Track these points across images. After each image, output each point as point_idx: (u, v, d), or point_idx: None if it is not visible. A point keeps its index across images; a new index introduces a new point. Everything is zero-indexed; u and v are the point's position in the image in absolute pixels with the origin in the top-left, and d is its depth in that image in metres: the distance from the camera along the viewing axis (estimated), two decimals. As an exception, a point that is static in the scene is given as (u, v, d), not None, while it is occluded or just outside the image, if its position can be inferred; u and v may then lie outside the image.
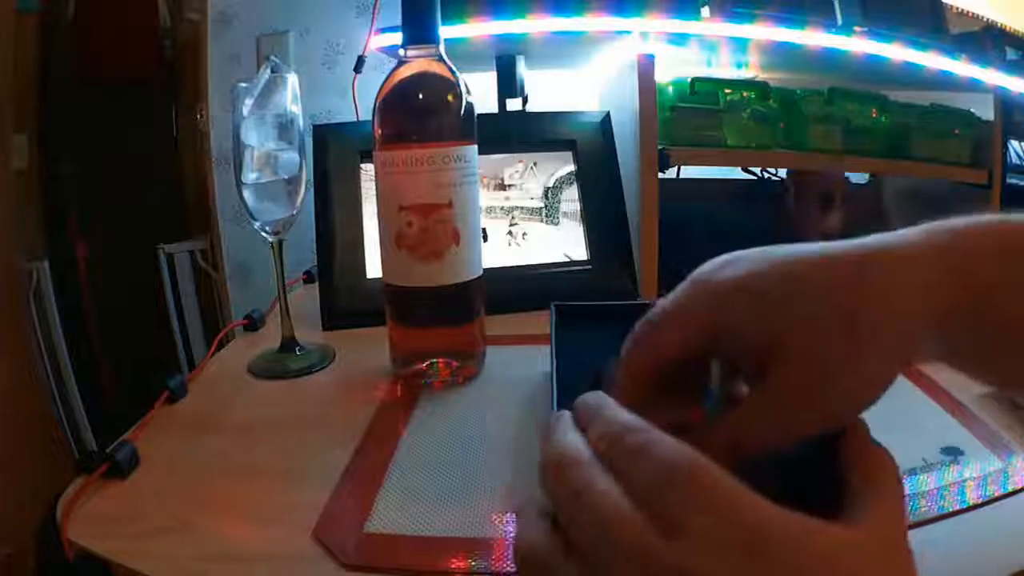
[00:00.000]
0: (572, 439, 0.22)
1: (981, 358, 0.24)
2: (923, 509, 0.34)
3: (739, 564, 0.17)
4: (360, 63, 1.00)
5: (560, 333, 0.50)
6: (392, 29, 0.85)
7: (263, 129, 0.53)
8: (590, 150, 0.78)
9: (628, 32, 0.75)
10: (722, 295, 0.24)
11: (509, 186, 0.76)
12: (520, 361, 0.56)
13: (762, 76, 0.95)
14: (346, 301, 0.66)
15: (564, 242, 0.75)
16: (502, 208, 0.76)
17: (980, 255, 0.22)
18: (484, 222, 0.73)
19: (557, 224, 0.76)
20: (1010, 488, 0.36)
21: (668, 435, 0.20)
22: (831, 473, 0.22)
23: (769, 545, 0.17)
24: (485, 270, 0.53)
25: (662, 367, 0.25)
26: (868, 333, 0.21)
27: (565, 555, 0.19)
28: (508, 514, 0.35)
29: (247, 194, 0.54)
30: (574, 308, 0.50)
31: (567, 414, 0.23)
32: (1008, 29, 0.99)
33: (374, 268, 0.67)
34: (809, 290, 0.22)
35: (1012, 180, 0.91)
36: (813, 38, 0.78)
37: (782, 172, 0.98)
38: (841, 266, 0.22)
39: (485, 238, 0.73)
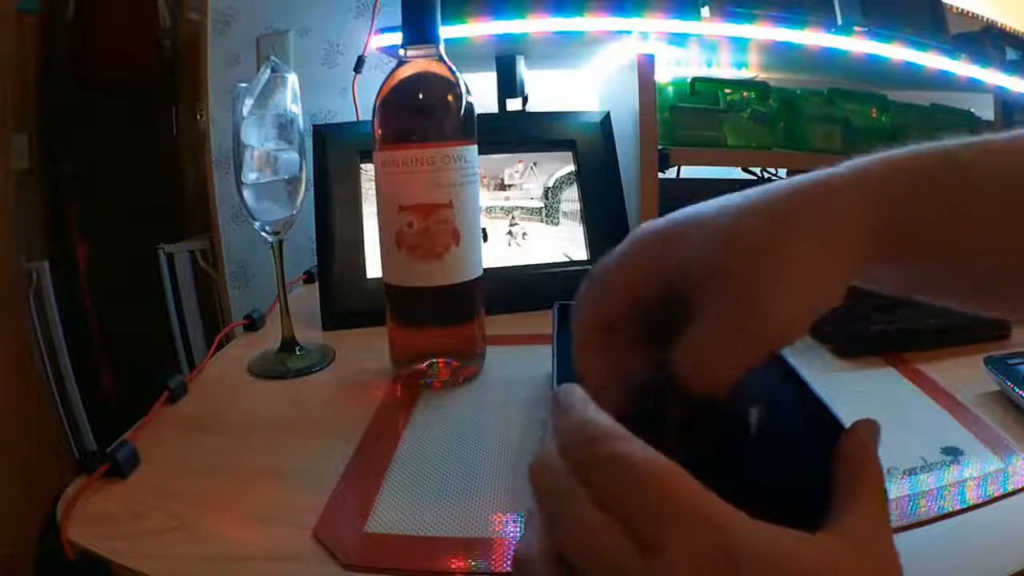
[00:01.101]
0: (549, 445, 0.21)
1: (906, 276, 0.27)
2: (923, 509, 0.34)
3: None
4: (360, 63, 1.00)
5: (562, 332, 0.50)
6: (392, 29, 0.85)
7: (263, 129, 0.53)
8: (590, 150, 0.78)
9: (628, 32, 0.75)
10: (672, 239, 0.25)
11: (509, 186, 0.76)
12: (520, 361, 0.56)
13: (762, 76, 0.95)
14: (346, 301, 0.66)
15: (564, 242, 0.75)
16: (502, 208, 0.76)
17: (892, 184, 0.25)
18: (484, 222, 0.73)
19: (557, 224, 0.76)
20: (1010, 488, 0.36)
21: (636, 440, 0.19)
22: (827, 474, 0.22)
23: (745, 564, 0.17)
24: (485, 270, 0.53)
25: (613, 321, 0.26)
26: (781, 270, 0.23)
27: (555, 564, 0.20)
28: (508, 514, 0.35)
29: (247, 194, 0.54)
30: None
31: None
32: (1008, 29, 0.99)
33: (374, 268, 0.67)
34: (743, 231, 0.24)
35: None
36: (813, 38, 0.78)
37: (782, 172, 0.98)
38: (769, 213, 0.24)
39: (485, 238, 0.73)
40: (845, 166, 0.26)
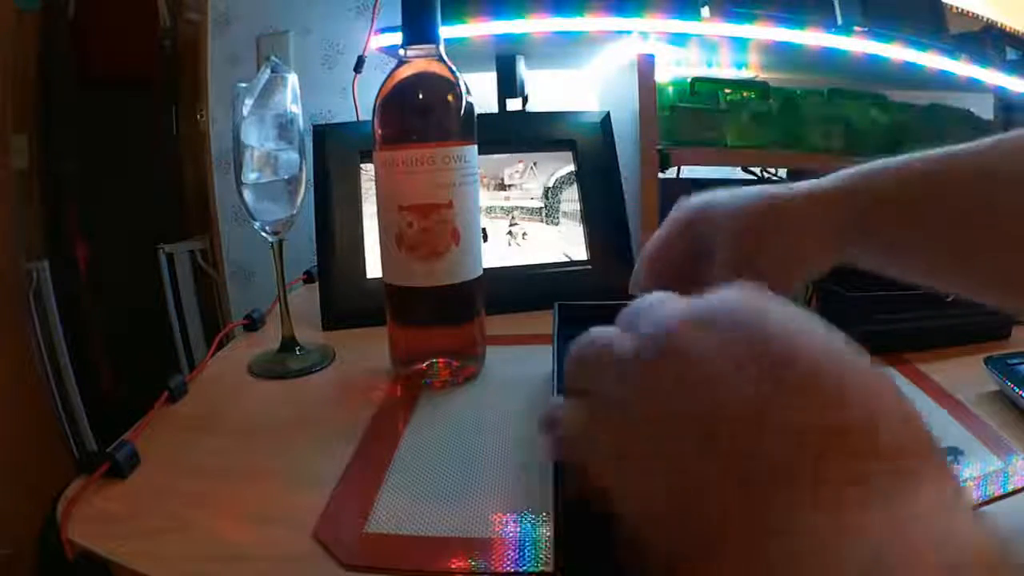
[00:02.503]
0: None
1: (877, 261, 0.36)
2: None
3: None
4: (360, 63, 1.00)
5: (563, 332, 0.50)
6: (392, 29, 0.85)
7: (263, 129, 0.53)
8: (590, 150, 0.78)
9: (628, 32, 0.75)
10: (689, 216, 0.38)
11: (509, 186, 0.76)
12: (520, 361, 0.56)
13: (762, 76, 0.95)
14: (346, 301, 0.66)
15: (564, 242, 0.75)
16: (502, 208, 0.76)
17: (871, 193, 0.34)
18: (484, 222, 0.73)
19: (557, 224, 0.76)
20: (1010, 488, 0.36)
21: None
22: None
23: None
24: (485, 270, 0.53)
25: (666, 261, 0.39)
26: (772, 236, 0.35)
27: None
28: (508, 514, 0.35)
29: (247, 194, 0.54)
30: (577, 308, 0.50)
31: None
32: (1008, 29, 0.99)
33: (374, 268, 0.67)
34: (750, 214, 0.35)
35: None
36: (813, 38, 0.78)
37: (782, 172, 0.98)
38: (759, 207, 0.36)
39: (485, 238, 0.73)
40: (832, 177, 0.35)
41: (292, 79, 0.54)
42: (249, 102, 0.52)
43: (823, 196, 0.35)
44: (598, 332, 0.23)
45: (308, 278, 0.84)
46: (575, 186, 0.77)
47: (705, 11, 0.76)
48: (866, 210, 0.34)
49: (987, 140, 0.33)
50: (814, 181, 0.36)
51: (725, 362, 0.19)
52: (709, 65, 0.96)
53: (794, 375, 0.18)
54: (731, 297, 0.21)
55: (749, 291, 0.21)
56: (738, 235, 0.35)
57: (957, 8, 0.98)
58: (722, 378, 0.19)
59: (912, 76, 0.87)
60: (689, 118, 0.80)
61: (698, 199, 0.38)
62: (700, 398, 0.19)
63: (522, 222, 0.76)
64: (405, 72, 0.49)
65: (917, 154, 0.34)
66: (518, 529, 0.34)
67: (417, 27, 0.48)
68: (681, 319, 0.21)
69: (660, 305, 0.22)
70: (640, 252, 0.40)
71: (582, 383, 0.23)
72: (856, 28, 0.80)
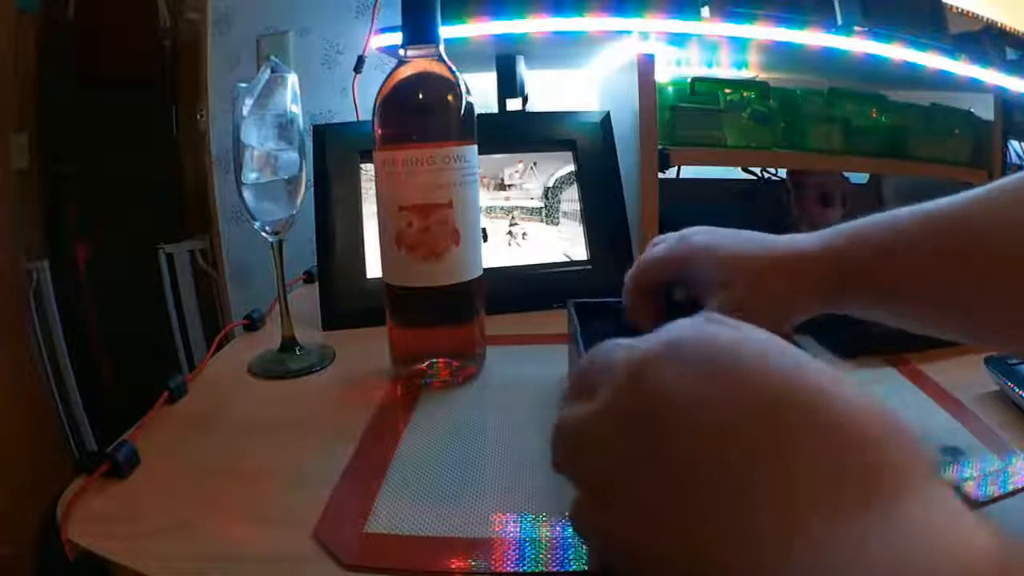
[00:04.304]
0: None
1: (862, 312, 0.39)
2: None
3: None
4: (360, 63, 1.00)
5: (585, 331, 0.49)
6: (392, 29, 0.85)
7: (263, 129, 0.53)
8: (590, 150, 0.78)
9: (628, 32, 0.75)
10: (692, 250, 0.42)
11: (509, 186, 0.76)
12: (520, 361, 0.56)
13: (762, 76, 0.95)
14: (346, 301, 0.66)
15: (564, 242, 0.75)
16: (502, 208, 0.76)
17: (850, 253, 0.37)
18: (484, 222, 0.73)
19: (557, 224, 0.76)
20: (1010, 488, 0.36)
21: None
22: None
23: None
24: (485, 270, 0.53)
25: (648, 288, 0.44)
26: (767, 291, 0.39)
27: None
28: (508, 514, 0.35)
29: (247, 194, 0.54)
30: (591, 305, 0.50)
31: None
32: (1008, 29, 0.99)
33: (374, 268, 0.67)
34: (748, 262, 0.40)
35: (1012, 180, 0.91)
36: (813, 38, 0.78)
37: (782, 172, 0.98)
38: (768, 253, 0.40)
39: (485, 238, 0.73)
40: (818, 234, 0.39)
41: (292, 79, 0.54)
42: (249, 102, 0.52)
43: (812, 256, 0.38)
44: (565, 414, 0.25)
45: (308, 278, 0.84)
46: (575, 186, 0.77)
47: (705, 11, 0.76)
48: (850, 274, 0.37)
49: (967, 196, 0.34)
50: (810, 238, 0.39)
51: (712, 412, 0.20)
52: (709, 65, 0.96)
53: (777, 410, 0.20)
54: (697, 337, 0.23)
55: (711, 322, 0.23)
56: (736, 285, 0.39)
57: (957, 8, 0.97)
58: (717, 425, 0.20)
59: (912, 76, 0.87)
60: (689, 118, 0.80)
61: (702, 237, 0.42)
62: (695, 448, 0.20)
63: (522, 222, 0.76)
64: (405, 72, 0.49)
65: (904, 212, 0.36)
66: (518, 529, 0.34)
67: (417, 27, 0.48)
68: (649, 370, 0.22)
69: (615, 364, 0.24)
70: (633, 268, 0.45)
71: (572, 468, 0.24)
72: (856, 28, 0.80)
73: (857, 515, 0.17)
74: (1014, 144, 0.96)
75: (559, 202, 0.77)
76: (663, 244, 0.44)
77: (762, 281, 0.39)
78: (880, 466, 0.18)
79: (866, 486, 0.18)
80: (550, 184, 0.77)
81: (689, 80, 0.85)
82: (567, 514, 0.25)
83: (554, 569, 0.31)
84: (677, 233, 0.44)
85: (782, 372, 0.20)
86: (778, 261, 0.39)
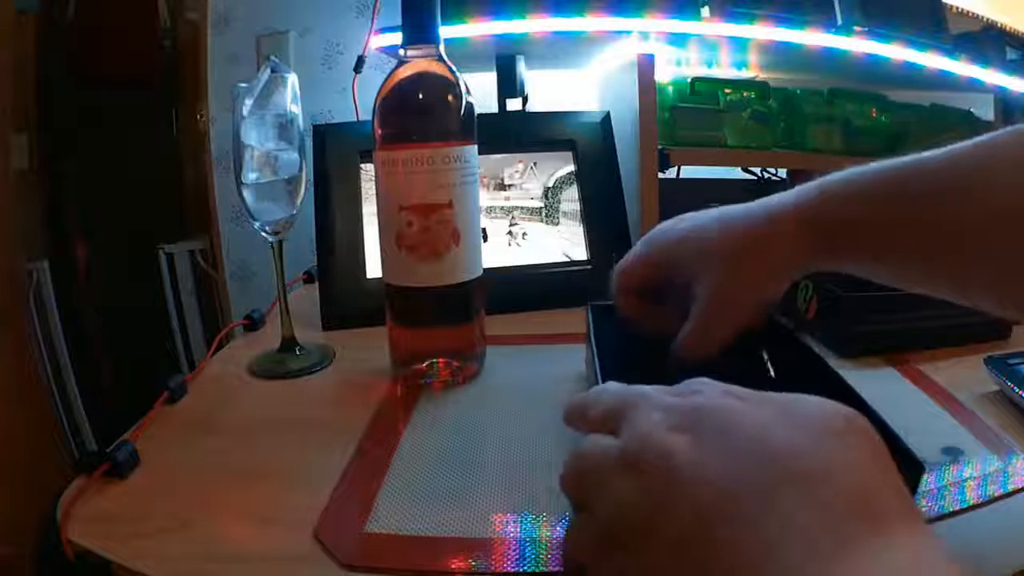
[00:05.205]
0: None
1: (861, 272, 0.38)
2: (923, 509, 0.34)
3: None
4: (360, 63, 1.00)
5: (603, 332, 0.49)
6: (392, 29, 0.85)
7: (263, 129, 0.53)
8: (590, 150, 0.78)
9: (628, 32, 0.75)
10: (670, 245, 0.43)
11: (509, 186, 0.76)
12: (520, 361, 0.56)
13: (762, 76, 0.95)
14: (346, 301, 0.66)
15: (564, 242, 0.75)
16: (502, 208, 0.76)
17: (824, 210, 0.37)
18: (484, 222, 0.73)
19: (557, 224, 0.76)
20: (1010, 488, 0.36)
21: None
22: None
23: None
24: (485, 270, 0.53)
25: (635, 289, 0.45)
26: (744, 271, 0.39)
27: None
28: (508, 514, 0.35)
29: (247, 194, 0.54)
30: (610, 308, 0.50)
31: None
32: (1008, 29, 0.99)
33: (374, 268, 0.67)
34: (720, 246, 0.40)
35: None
36: (813, 38, 0.78)
37: (782, 172, 0.98)
38: (738, 233, 0.40)
39: (485, 238, 0.73)
40: (793, 193, 0.39)
41: (292, 79, 0.54)
42: (249, 102, 0.52)
43: (788, 219, 0.38)
44: (591, 447, 0.26)
45: (308, 278, 0.84)
46: (575, 186, 0.77)
47: (705, 11, 0.76)
48: (833, 235, 0.37)
49: (954, 147, 0.33)
50: (786, 199, 0.39)
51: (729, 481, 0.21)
52: (709, 65, 0.96)
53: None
54: (709, 405, 0.24)
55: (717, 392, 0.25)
56: (716, 270, 0.40)
57: (957, 8, 0.98)
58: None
59: (912, 76, 0.87)
60: (689, 118, 0.80)
61: (678, 229, 0.43)
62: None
63: (522, 222, 0.76)
64: (405, 72, 0.49)
65: (884, 165, 0.35)
66: (518, 529, 0.34)
67: (417, 27, 0.48)
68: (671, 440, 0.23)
69: (645, 415, 0.25)
70: (612, 279, 0.46)
71: (582, 497, 0.25)
72: (856, 28, 0.80)
73: (851, 563, 0.19)
74: (1014, 144, 0.96)
75: (559, 202, 0.77)
76: (641, 243, 0.45)
77: (739, 262, 0.39)
78: (868, 516, 0.20)
79: (855, 538, 0.19)
80: (550, 184, 0.77)
81: (689, 80, 0.85)
82: (564, 534, 0.26)
83: (554, 569, 0.31)
84: (655, 228, 0.45)
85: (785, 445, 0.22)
86: (753, 233, 0.39)
